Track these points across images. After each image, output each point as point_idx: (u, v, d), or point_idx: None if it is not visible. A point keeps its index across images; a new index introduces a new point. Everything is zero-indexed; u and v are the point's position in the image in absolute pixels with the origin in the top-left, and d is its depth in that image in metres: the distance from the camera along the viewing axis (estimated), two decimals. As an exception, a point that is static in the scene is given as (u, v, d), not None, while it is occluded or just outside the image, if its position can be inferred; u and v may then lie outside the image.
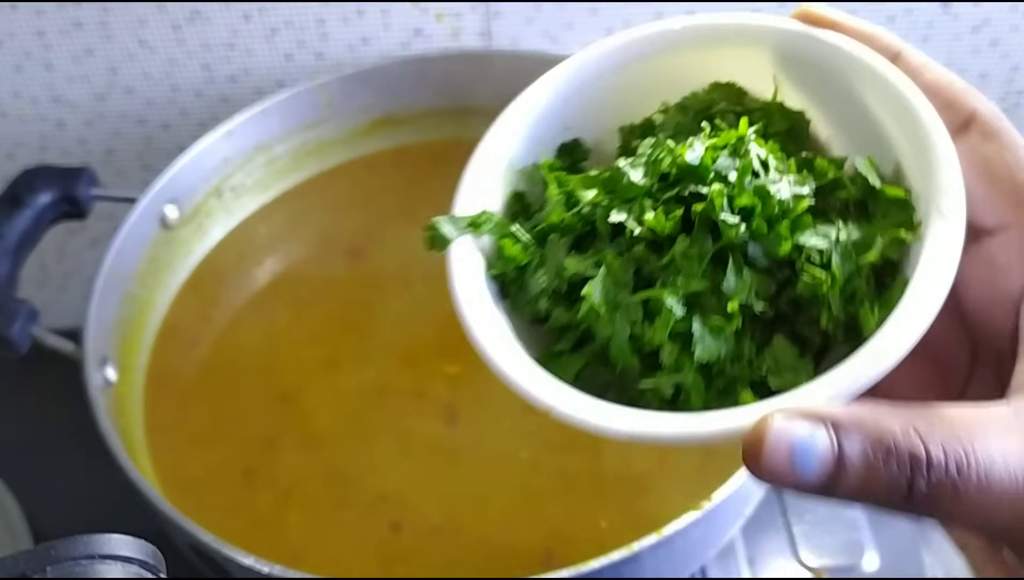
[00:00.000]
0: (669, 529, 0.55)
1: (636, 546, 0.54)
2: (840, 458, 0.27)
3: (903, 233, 0.33)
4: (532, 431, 0.68)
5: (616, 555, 0.54)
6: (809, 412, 0.27)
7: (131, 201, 0.75)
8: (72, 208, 0.75)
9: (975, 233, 0.33)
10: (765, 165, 0.34)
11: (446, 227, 0.39)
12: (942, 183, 0.32)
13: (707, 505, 0.57)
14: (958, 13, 0.85)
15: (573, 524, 0.64)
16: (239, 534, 0.60)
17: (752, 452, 0.27)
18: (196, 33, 0.84)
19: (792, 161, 0.35)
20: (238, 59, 0.86)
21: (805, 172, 0.35)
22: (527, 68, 0.86)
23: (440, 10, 0.84)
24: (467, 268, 0.37)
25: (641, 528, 0.59)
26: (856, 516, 0.77)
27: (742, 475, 0.57)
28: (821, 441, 0.27)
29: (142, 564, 0.31)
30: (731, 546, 0.75)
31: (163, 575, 0.32)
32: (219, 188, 0.82)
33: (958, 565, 0.75)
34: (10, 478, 0.81)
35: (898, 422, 0.27)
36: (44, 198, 0.74)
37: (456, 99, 0.88)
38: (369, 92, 0.86)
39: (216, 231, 0.83)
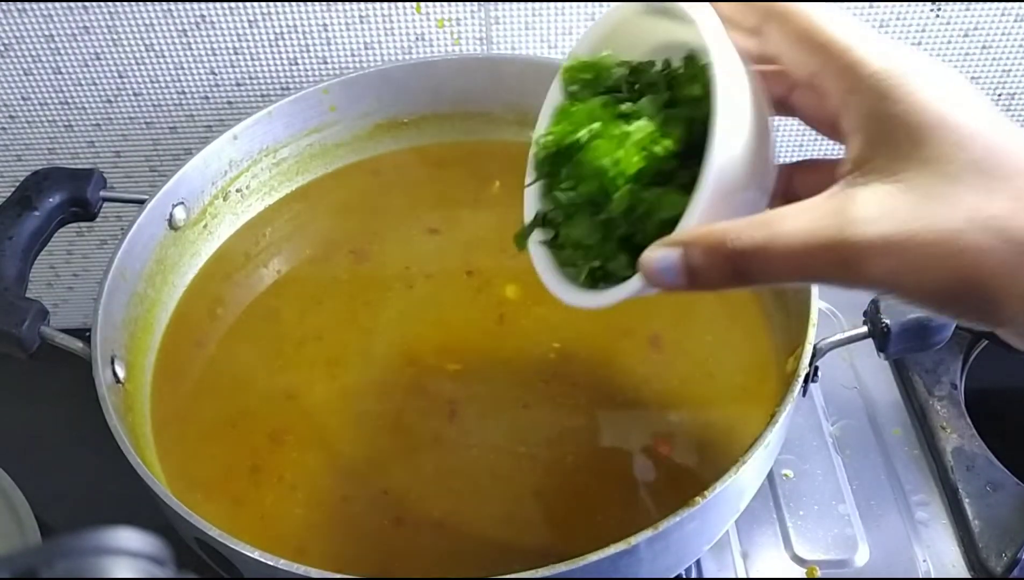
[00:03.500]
0: (665, 523, 0.56)
1: (633, 540, 0.55)
2: (687, 265, 0.40)
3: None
4: (531, 427, 0.69)
5: (613, 549, 0.54)
6: (666, 241, 0.42)
7: (139, 202, 0.76)
8: (81, 209, 0.76)
9: (792, 85, 0.45)
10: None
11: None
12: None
13: (702, 500, 0.58)
14: (949, 18, 0.86)
15: (571, 518, 0.65)
16: (245, 529, 0.61)
17: (644, 276, 0.42)
18: (202, 38, 0.85)
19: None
20: (244, 64, 0.87)
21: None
22: (527, 73, 0.88)
23: (441, 16, 0.85)
24: None
25: (638, 522, 0.61)
26: (849, 511, 0.78)
27: (737, 472, 0.59)
28: (672, 258, 0.41)
29: (150, 558, 0.32)
30: (725, 540, 0.76)
31: (170, 569, 0.33)
32: (225, 190, 0.83)
33: (950, 560, 0.76)
34: (19, 474, 0.82)
35: (723, 229, 0.40)
36: (53, 199, 0.75)
37: (457, 103, 0.89)
38: (372, 96, 0.87)
39: (222, 232, 0.84)
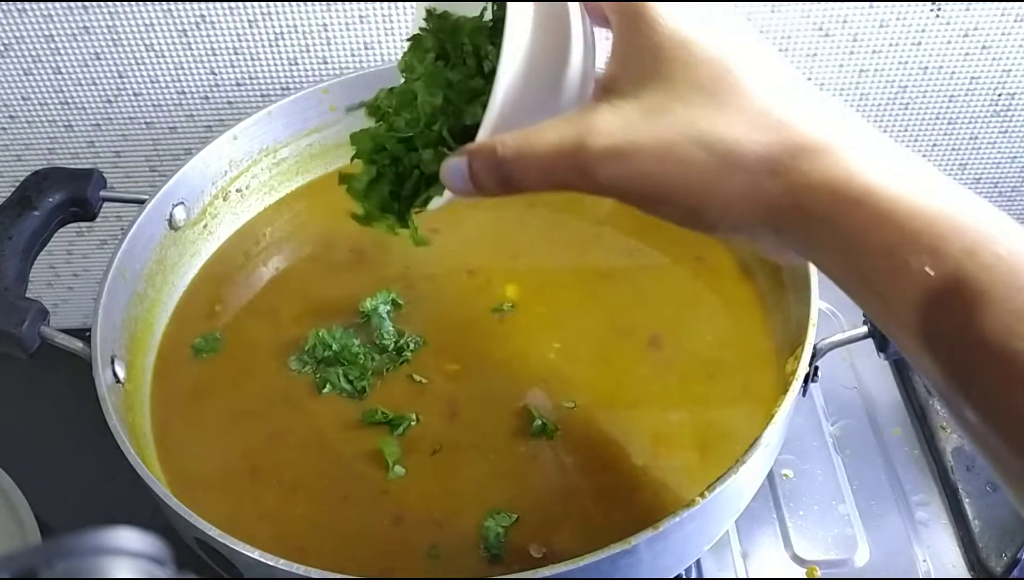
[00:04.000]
0: (665, 523, 0.56)
1: (633, 540, 0.55)
2: (471, 172, 0.46)
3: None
4: (531, 427, 0.69)
5: (613, 549, 0.54)
6: (458, 151, 0.47)
7: (139, 202, 0.76)
8: (81, 209, 0.76)
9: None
10: None
11: None
12: None
13: (702, 500, 0.58)
14: (949, 18, 0.87)
15: (571, 518, 0.65)
16: (245, 529, 0.61)
17: (443, 182, 0.48)
18: (202, 38, 0.85)
19: None
20: (244, 64, 0.87)
21: None
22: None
23: (441, 16, 0.85)
24: None
25: (638, 522, 0.61)
26: (849, 511, 0.78)
27: (737, 472, 0.59)
28: (459, 166, 0.46)
29: (150, 558, 0.32)
30: (725, 540, 0.76)
31: (170, 569, 0.33)
32: (225, 190, 0.83)
33: (950, 560, 0.76)
34: (19, 474, 0.82)
35: (496, 139, 0.45)
36: (53, 199, 0.75)
37: (457, 103, 0.89)
38: (372, 96, 0.87)
39: (222, 232, 0.84)
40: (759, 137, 0.41)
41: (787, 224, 0.42)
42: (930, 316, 0.38)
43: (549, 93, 0.48)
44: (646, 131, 0.42)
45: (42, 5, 0.82)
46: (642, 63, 0.43)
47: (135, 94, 0.89)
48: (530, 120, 0.46)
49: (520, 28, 0.45)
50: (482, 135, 0.46)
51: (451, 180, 0.48)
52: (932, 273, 0.38)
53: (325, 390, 0.72)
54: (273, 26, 0.85)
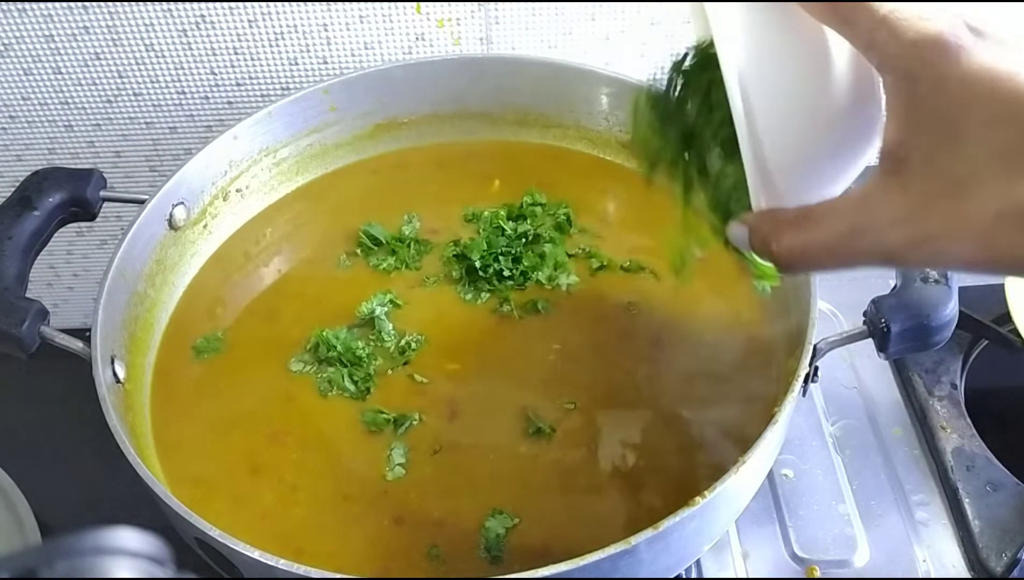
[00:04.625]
0: (665, 523, 0.56)
1: (633, 540, 0.55)
2: (754, 243, 0.44)
3: None
4: (530, 426, 0.69)
5: (613, 549, 0.54)
6: (740, 218, 0.45)
7: (139, 202, 0.76)
8: (81, 209, 0.76)
9: None
10: None
11: None
12: None
13: (702, 500, 0.58)
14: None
15: (571, 518, 0.65)
16: (245, 529, 0.61)
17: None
18: (202, 38, 0.85)
19: None
20: (244, 64, 0.87)
21: None
22: (527, 73, 0.88)
23: (441, 16, 0.85)
24: None
25: (638, 522, 0.61)
26: (849, 511, 0.78)
27: (737, 472, 0.59)
28: (743, 236, 0.45)
29: (150, 558, 0.32)
30: (725, 540, 0.76)
31: (170, 569, 0.33)
32: (225, 190, 0.83)
33: (950, 560, 0.76)
34: (19, 474, 0.82)
35: (769, 227, 0.43)
36: (53, 199, 0.75)
37: (457, 103, 0.89)
38: (372, 96, 0.87)
39: (222, 232, 0.84)
40: None
41: None
42: None
43: (818, 128, 0.43)
44: (953, 217, 0.37)
45: (42, 5, 0.82)
46: (930, 128, 0.37)
47: (135, 94, 0.89)
48: (804, 165, 0.43)
49: (751, 75, 0.41)
50: (754, 201, 0.44)
51: (740, 245, 0.46)
52: None
53: (329, 392, 0.72)
54: (273, 26, 0.85)
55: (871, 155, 0.42)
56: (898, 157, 0.38)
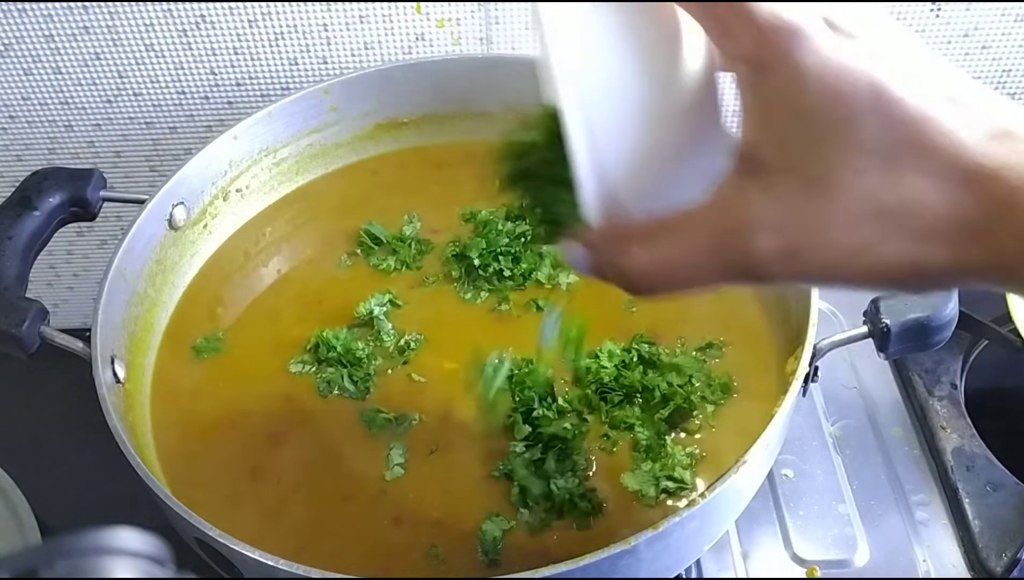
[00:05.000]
0: (665, 523, 0.56)
1: (633, 540, 0.55)
2: (593, 265, 0.39)
3: None
4: (528, 429, 0.69)
5: (613, 549, 0.54)
6: (573, 236, 0.40)
7: (139, 202, 0.76)
8: (81, 209, 0.76)
9: None
10: None
11: None
12: None
13: (702, 500, 0.58)
14: (949, 18, 0.87)
15: (570, 519, 0.64)
16: (245, 529, 0.61)
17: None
18: (202, 38, 0.85)
19: None
20: (244, 64, 0.87)
21: None
22: (526, 73, 0.88)
23: (441, 16, 0.85)
24: None
25: (638, 522, 0.61)
26: (849, 511, 0.78)
27: (737, 472, 0.59)
28: (579, 256, 0.40)
29: (150, 558, 0.32)
30: (725, 540, 0.76)
31: (170, 569, 0.33)
32: (225, 190, 0.83)
33: (950, 560, 0.76)
34: (19, 474, 0.82)
35: (615, 244, 0.38)
36: (53, 199, 0.75)
37: (457, 103, 0.89)
38: (372, 96, 0.87)
39: (222, 232, 0.84)
40: (949, 197, 0.33)
41: (1001, 280, 0.34)
42: None
43: (652, 147, 0.39)
44: (817, 220, 0.34)
45: (42, 5, 0.82)
46: (786, 125, 0.34)
47: (135, 94, 0.89)
48: (650, 170, 0.38)
49: (581, 93, 0.37)
50: (591, 215, 0.38)
51: (576, 266, 0.41)
52: None
53: (329, 392, 0.72)
54: (273, 26, 0.85)
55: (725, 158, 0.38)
56: (756, 157, 0.35)
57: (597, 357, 0.72)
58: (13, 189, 0.75)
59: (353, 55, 0.88)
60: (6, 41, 0.85)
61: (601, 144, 0.37)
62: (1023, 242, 0.32)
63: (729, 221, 0.35)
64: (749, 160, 0.36)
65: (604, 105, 0.37)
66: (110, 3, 0.83)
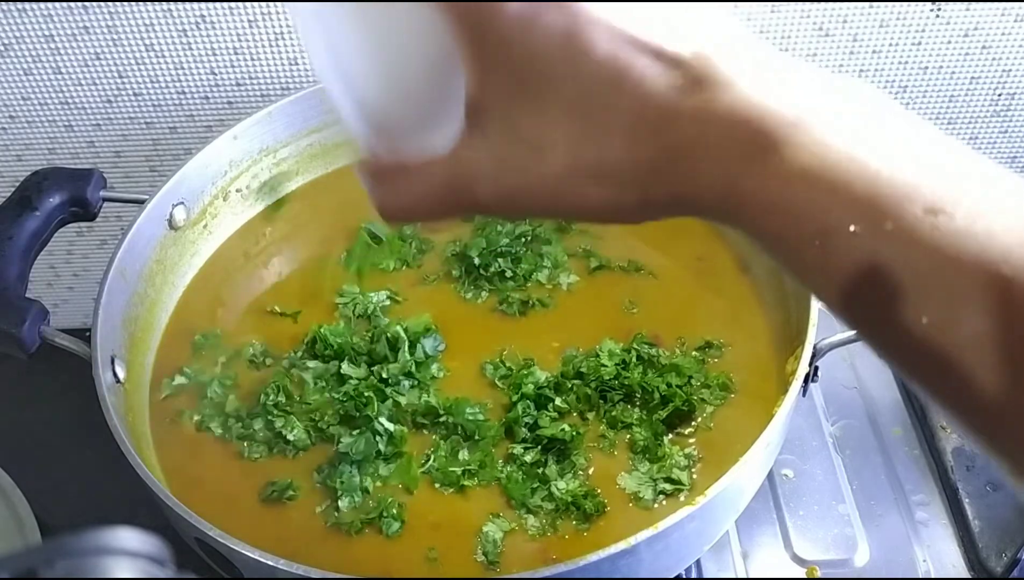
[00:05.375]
0: (665, 523, 0.56)
1: (633, 540, 0.55)
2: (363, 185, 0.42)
3: None
4: (527, 429, 0.69)
5: (613, 549, 0.55)
6: (357, 162, 0.42)
7: (139, 203, 0.76)
8: (81, 209, 0.76)
9: None
10: None
11: None
12: None
13: (702, 500, 0.58)
14: (949, 18, 0.86)
15: (569, 520, 0.65)
16: (245, 529, 0.61)
17: None
18: (202, 38, 0.85)
19: None
20: (244, 64, 0.87)
21: None
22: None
23: (442, 15, 0.85)
24: None
25: (638, 523, 0.61)
26: (849, 511, 0.78)
27: (737, 472, 0.59)
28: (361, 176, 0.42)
29: (150, 558, 0.32)
30: (725, 540, 0.76)
31: (170, 569, 0.33)
32: (225, 190, 0.83)
33: (950, 560, 0.76)
34: (19, 474, 0.82)
35: (366, 168, 0.41)
36: (53, 200, 0.75)
37: (457, 103, 0.89)
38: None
39: (222, 232, 0.84)
40: (637, 151, 0.36)
41: (690, 214, 0.38)
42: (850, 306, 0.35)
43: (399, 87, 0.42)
44: (526, 174, 0.38)
45: (42, 5, 0.82)
46: (502, 82, 0.37)
47: (135, 94, 0.89)
48: (402, 119, 0.42)
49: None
50: (360, 149, 0.43)
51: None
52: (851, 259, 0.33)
53: (327, 390, 0.72)
54: (273, 26, 0.85)
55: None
56: (479, 111, 0.38)
57: (597, 356, 0.72)
58: (13, 189, 0.75)
59: (353, 55, 0.88)
60: (6, 41, 0.85)
61: (358, 93, 0.41)
62: (696, 183, 0.35)
63: (456, 170, 0.40)
64: (473, 112, 0.38)
65: (354, 56, 0.41)
66: (110, 3, 0.83)
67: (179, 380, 0.74)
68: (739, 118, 0.34)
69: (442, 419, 0.69)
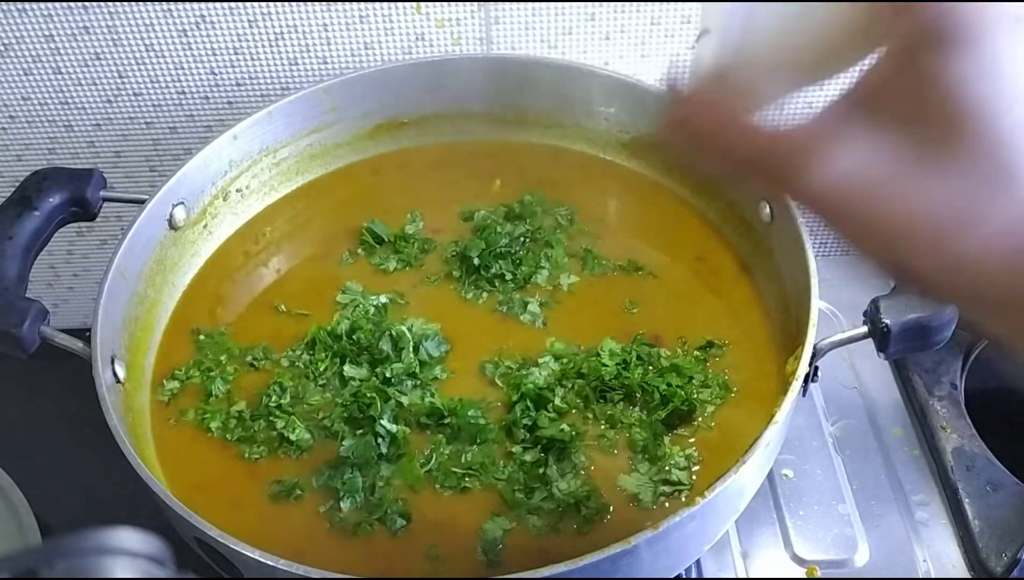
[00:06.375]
0: (665, 523, 0.56)
1: (633, 540, 0.55)
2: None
3: None
4: (526, 426, 0.69)
5: (613, 549, 0.55)
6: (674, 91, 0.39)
7: (139, 202, 0.76)
8: (81, 209, 0.76)
9: None
10: None
11: None
12: None
13: (702, 500, 0.58)
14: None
15: (570, 518, 0.65)
16: (245, 529, 0.61)
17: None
18: (202, 38, 0.85)
19: None
20: (244, 64, 0.87)
21: None
22: (526, 73, 0.88)
23: (441, 16, 0.85)
24: None
25: (638, 522, 0.61)
26: (849, 511, 0.78)
27: (737, 472, 0.59)
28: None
29: (150, 558, 0.32)
30: (725, 540, 0.76)
31: (170, 569, 0.33)
32: (225, 190, 0.83)
33: (950, 560, 0.76)
34: (19, 474, 0.82)
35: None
36: (53, 199, 0.75)
37: (457, 103, 0.89)
38: (372, 96, 0.87)
39: (222, 232, 0.84)
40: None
41: None
42: None
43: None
44: (918, 193, 0.33)
45: (42, 5, 0.82)
46: (913, 105, 0.33)
47: (135, 94, 0.89)
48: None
49: None
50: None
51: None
52: None
53: (327, 391, 0.72)
54: (273, 26, 0.85)
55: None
56: (871, 106, 0.35)
57: (598, 355, 0.72)
58: (13, 189, 0.75)
59: (353, 55, 0.88)
60: (6, 41, 0.85)
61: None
62: None
63: (825, 130, 0.35)
64: (862, 104, 0.35)
65: None
66: (110, 3, 0.83)
67: (179, 380, 0.74)
68: None
69: (445, 421, 0.69)
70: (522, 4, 0.84)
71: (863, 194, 0.34)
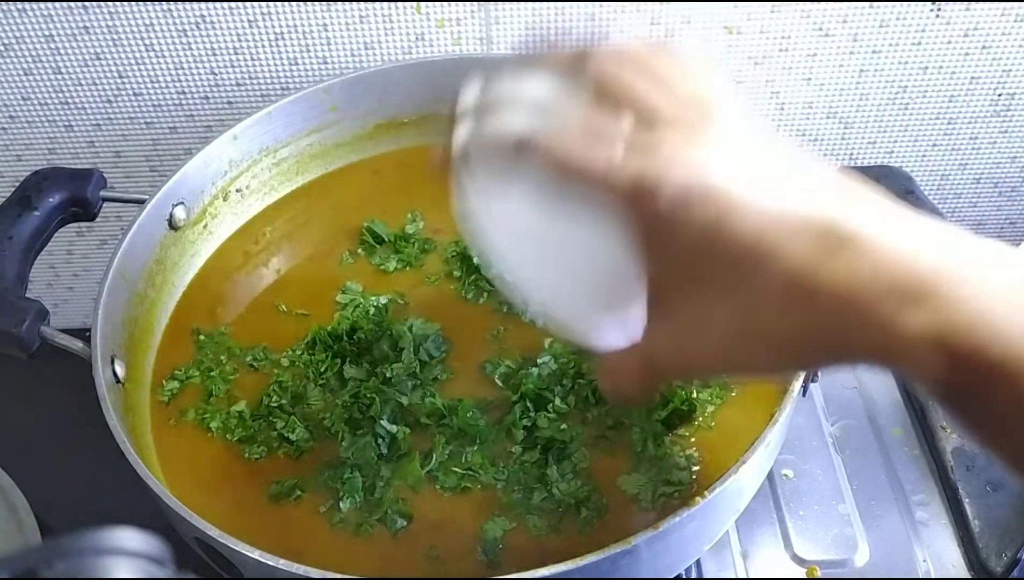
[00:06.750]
0: (665, 523, 0.56)
1: (633, 540, 0.55)
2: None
3: None
4: (526, 427, 0.69)
5: (613, 549, 0.55)
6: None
7: (139, 202, 0.76)
8: (81, 209, 0.77)
9: None
10: None
11: None
12: None
13: (702, 500, 0.58)
14: (949, 18, 0.87)
15: (570, 518, 0.65)
16: (245, 529, 0.61)
17: None
18: (202, 38, 0.85)
19: None
20: (244, 64, 0.88)
21: None
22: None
23: (441, 16, 0.85)
24: None
25: (638, 522, 0.61)
26: (849, 511, 0.78)
27: (737, 472, 0.59)
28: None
29: (150, 558, 0.32)
30: (725, 540, 0.76)
31: (170, 569, 0.33)
32: (225, 190, 0.83)
33: (950, 560, 0.76)
34: (19, 474, 0.82)
35: (599, 367, 0.53)
36: (53, 199, 0.75)
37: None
38: (372, 96, 0.87)
39: (222, 232, 0.84)
40: (791, 322, 0.40)
41: (850, 367, 0.49)
42: None
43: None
44: (698, 347, 0.44)
45: (42, 5, 0.82)
46: (672, 267, 0.44)
47: (135, 94, 0.89)
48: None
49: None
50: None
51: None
52: None
53: (326, 387, 0.72)
54: (273, 26, 0.85)
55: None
56: (659, 297, 0.45)
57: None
58: (13, 189, 0.75)
59: (353, 55, 0.88)
60: (6, 41, 0.85)
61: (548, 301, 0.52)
62: (849, 343, 0.39)
63: (645, 352, 0.48)
64: (656, 298, 0.46)
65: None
66: (110, 3, 0.83)
67: (179, 380, 0.74)
68: (885, 276, 0.37)
69: (445, 421, 0.69)
70: (522, 4, 0.84)
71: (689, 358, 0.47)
